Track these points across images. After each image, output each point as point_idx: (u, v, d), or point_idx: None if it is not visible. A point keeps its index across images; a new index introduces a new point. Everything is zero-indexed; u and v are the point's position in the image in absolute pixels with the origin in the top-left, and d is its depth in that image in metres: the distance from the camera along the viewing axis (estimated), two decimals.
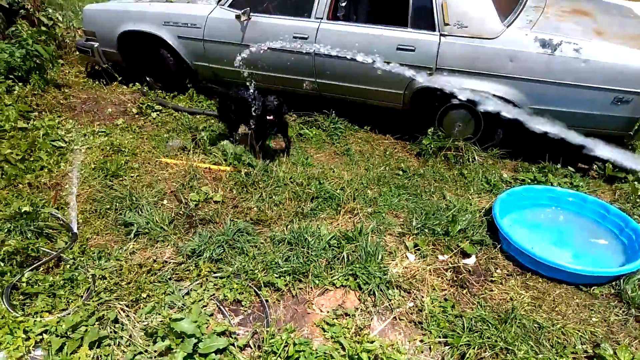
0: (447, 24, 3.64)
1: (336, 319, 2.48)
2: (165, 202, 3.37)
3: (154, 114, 4.67)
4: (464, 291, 2.75)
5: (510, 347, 2.31)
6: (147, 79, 5.21)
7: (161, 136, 4.27)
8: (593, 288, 2.81)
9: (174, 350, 2.10)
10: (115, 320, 2.36)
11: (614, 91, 3.38)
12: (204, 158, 3.90)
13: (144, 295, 2.53)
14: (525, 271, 2.92)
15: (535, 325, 2.50)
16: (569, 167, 4.03)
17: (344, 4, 4.07)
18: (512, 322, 2.46)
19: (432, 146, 4.08)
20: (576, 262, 2.98)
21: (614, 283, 2.83)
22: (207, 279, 2.68)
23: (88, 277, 2.62)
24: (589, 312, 2.66)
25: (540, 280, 2.86)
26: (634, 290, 2.72)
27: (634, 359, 2.28)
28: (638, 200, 3.65)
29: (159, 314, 2.38)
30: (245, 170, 3.69)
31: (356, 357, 2.16)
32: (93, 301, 2.46)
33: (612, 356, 2.29)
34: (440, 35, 3.70)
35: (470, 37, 3.62)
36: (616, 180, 3.92)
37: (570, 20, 3.78)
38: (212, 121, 4.49)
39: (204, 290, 2.61)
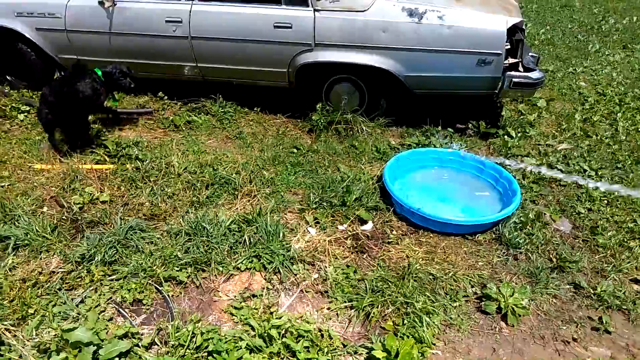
0: None
1: (244, 301, 2.47)
2: (45, 209, 3.10)
3: (21, 116, 4.24)
4: (364, 256, 2.87)
5: (410, 300, 2.46)
6: (8, 78, 4.70)
7: (33, 139, 3.89)
8: (477, 236, 3.08)
9: None
10: (1, 343, 2.15)
11: (477, 54, 3.67)
12: (83, 158, 3.63)
13: (31, 310, 2.32)
14: (417, 229, 3.11)
15: (430, 276, 2.69)
16: (449, 129, 4.34)
17: None
18: (409, 277, 2.63)
19: (322, 121, 4.16)
20: (461, 214, 3.24)
21: (494, 229, 3.12)
22: (101, 283, 2.52)
23: None
24: (476, 258, 2.91)
25: (432, 235, 3.07)
26: (511, 233, 3.02)
27: (514, 292, 2.55)
28: (509, 152, 4.04)
29: (52, 328, 2.21)
30: (134, 165, 3.50)
31: (266, 335, 2.17)
32: None
33: (496, 293, 2.54)
34: (314, 10, 3.75)
35: (342, 11, 3.71)
36: (489, 136, 4.30)
37: None
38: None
39: (99, 295, 2.45)
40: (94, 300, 2.41)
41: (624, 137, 4.44)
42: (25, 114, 4.28)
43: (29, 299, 2.38)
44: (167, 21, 3.92)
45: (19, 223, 2.88)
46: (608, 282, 2.71)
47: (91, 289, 2.50)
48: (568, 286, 2.72)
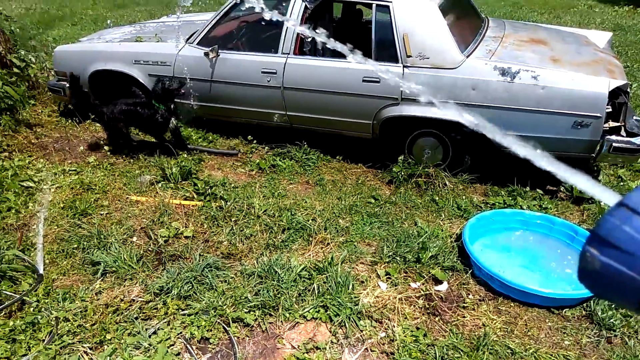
0: (410, 56, 3.75)
1: (306, 353, 2.44)
2: (134, 239, 3.33)
3: (126, 151, 4.66)
4: (436, 319, 2.73)
5: None
6: None
7: (133, 172, 4.24)
8: (565, 310, 2.82)
9: None
10: None
11: (574, 115, 3.48)
12: (174, 193, 3.88)
13: (108, 336, 2.46)
14: (497, 296, 2.92)
15: (508, 350, 2.49)
16: (538, 190, 4.09)
17: (309, 40, 4.18)
18: (484, 349, 2.45)
19: (402, 173, 4.12)
20: (547, 284, 3.00)
21: (585, 305, 2.84)
22: (174, 317, 2.63)
23: (51, 320, 2.54)
24: (562, 335, 2.66)
25: (512, 304, 2.86)
26: (605, 312, 2.74)
27: None
28: None
29: (123, 358, 2.31)
30: (218, 204, 3.68)
31: None
32: (55, 345, 2.39)
33: None
34: (404, 66, 3.81)
35: (432, 68, 3.73)
36: (583, 201, 3.99)
37: (528, 49, 3.92)
38: (185, 155, 4.49)
39: (171, 328, 2.55)
40: (165, 333, 2.51)
41: None
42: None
43: (108, 324, 2.53)
44: (262, 72, 4.18)
45: (110, 250, 3.11)
46: None
47: (164, 321, 2.60)
48: None
